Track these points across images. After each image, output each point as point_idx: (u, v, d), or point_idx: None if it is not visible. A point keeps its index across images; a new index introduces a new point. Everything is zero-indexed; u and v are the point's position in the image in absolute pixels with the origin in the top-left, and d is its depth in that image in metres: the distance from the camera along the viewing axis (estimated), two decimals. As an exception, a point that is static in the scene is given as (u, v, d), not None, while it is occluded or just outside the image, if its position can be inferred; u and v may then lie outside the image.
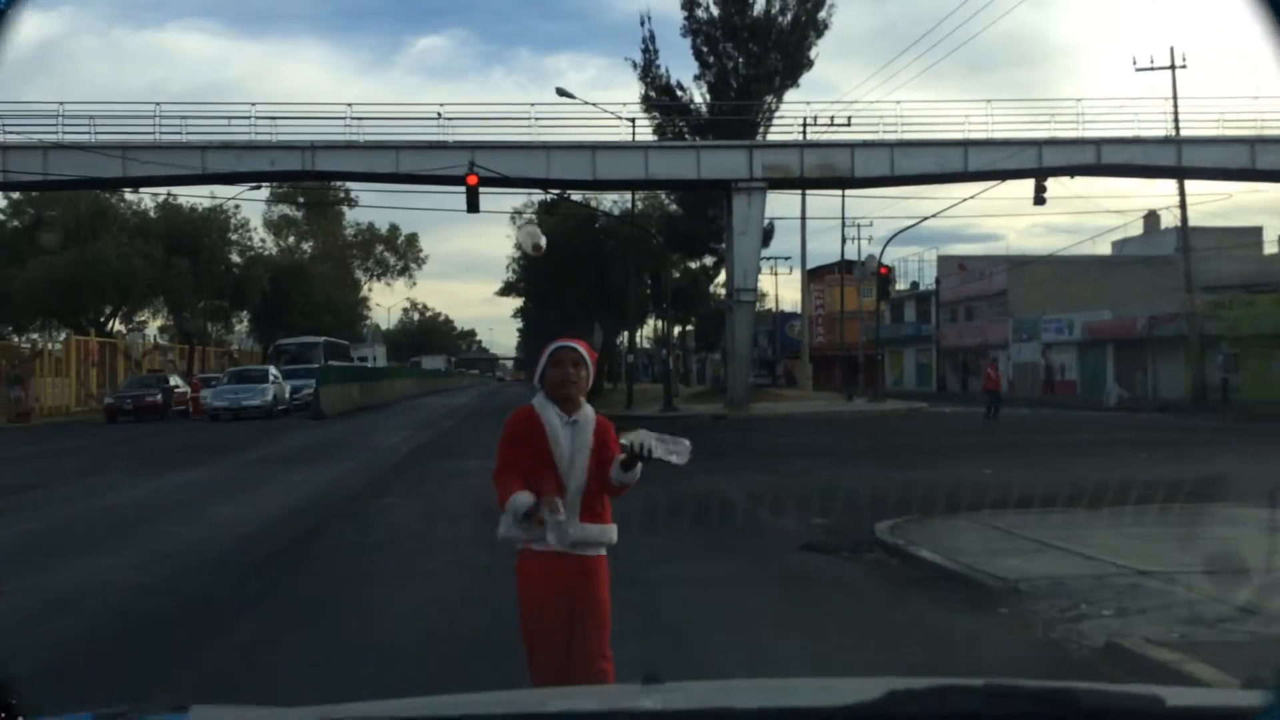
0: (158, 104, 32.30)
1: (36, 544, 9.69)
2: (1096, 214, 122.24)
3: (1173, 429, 24.45)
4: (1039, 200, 30.96)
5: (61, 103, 31.84)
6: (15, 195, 42.82)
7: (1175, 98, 35.07)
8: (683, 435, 3.75)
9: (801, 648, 5.79)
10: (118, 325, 50.44)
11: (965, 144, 32.81)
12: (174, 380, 39.21)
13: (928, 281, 63.37)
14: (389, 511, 11.80)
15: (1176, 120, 34.31)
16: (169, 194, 43.93)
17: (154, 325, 56.51)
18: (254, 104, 33.51)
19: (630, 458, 3.61)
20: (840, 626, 6.35)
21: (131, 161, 31.16)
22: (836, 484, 12.36)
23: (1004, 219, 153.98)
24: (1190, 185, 35.89)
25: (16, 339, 48.61)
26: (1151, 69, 36.89)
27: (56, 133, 31.04)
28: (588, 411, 3.77)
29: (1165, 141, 33.48)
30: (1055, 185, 32.10)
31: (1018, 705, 1.38)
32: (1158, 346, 41.55)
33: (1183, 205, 36.23)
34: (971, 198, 44.64)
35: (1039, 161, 32.24)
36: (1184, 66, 36.62)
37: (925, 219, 56.26)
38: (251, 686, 5.11)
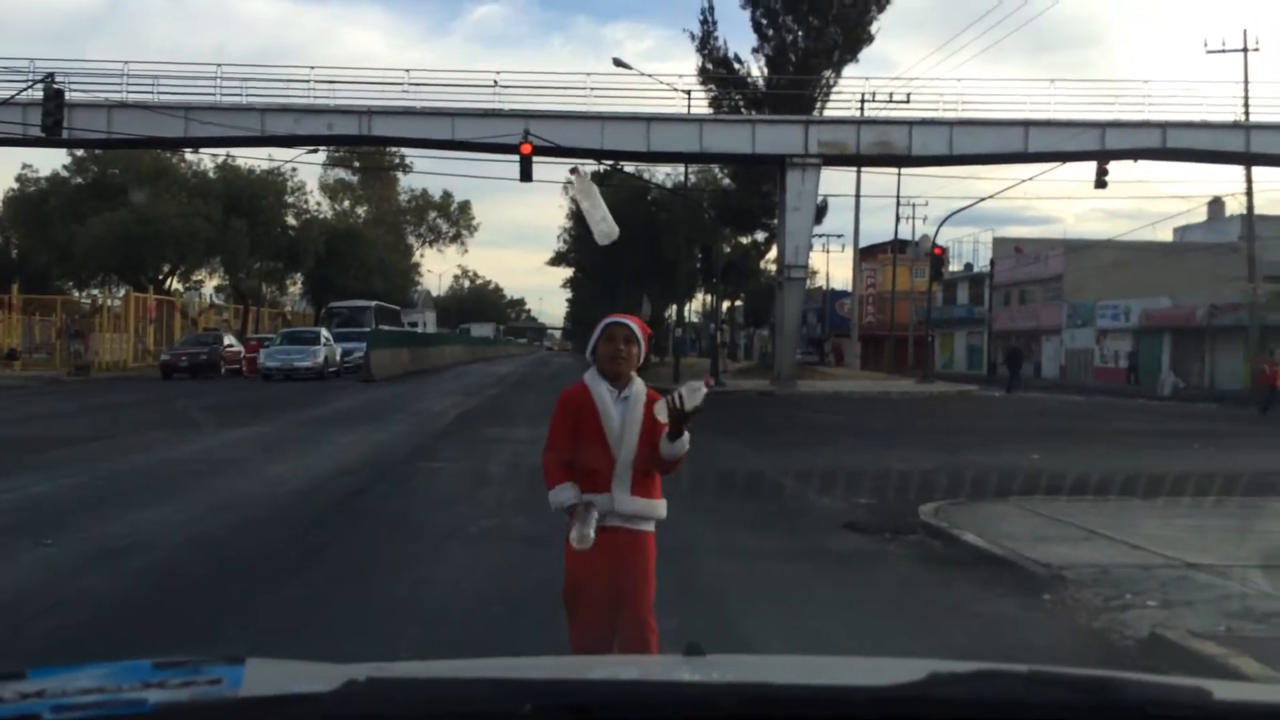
0: (219, 65, 32.67)
1: (89, 496, 9.94)
2: (1159, 199, 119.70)
3: (1229, 420, 24.00)
4: (1100, 184, 30.38)
5: (126, 62, 32.38)
6: (79, 153, 43.63)
7: (1246, 81, 34.22)
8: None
9: (841, 627, 5.79)
10: (175, 284, 51.33)
11: (1026, 124, 32.27)
12: (228, 339, 39.87)
13: (981, 263, 62.57)
14: (436, 475, 11.95)
15: (1247, 105, 33.48)
16: (228, 155, 44.49)
17: (210, 284, 57.51)
18: (313, 68, 33.70)
19: (674, 418, 3.60)
20: (880, 607, 6.34)
21: (193, 122, 31.61)
22: (881, 464, 12.30)
23: (1062, 202, 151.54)
24: (1257, 172, 35.02)
25: (78, 294, 49.72)
26: (1223, 51, 35.96)
27: (121, 92, 31.57)
28: (638, 386, 3.78)
29: (1234, 126, 32.69)
30: (1117, 169, 31.56)
31: (1061, 693, 1.37)
32: (1217, 336, 40.72)
33: (1249, 192, 35.37)
34: (1030, 179, 44.04)
35: (1102, 144, 31.64)
36: (1257, 50, 35.72)
37: (982, 200, 55.75)
38: (298, 643, 5.22)
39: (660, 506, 3.82)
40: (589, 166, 41.87)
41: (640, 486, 3.73)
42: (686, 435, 3.67)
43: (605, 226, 4.87)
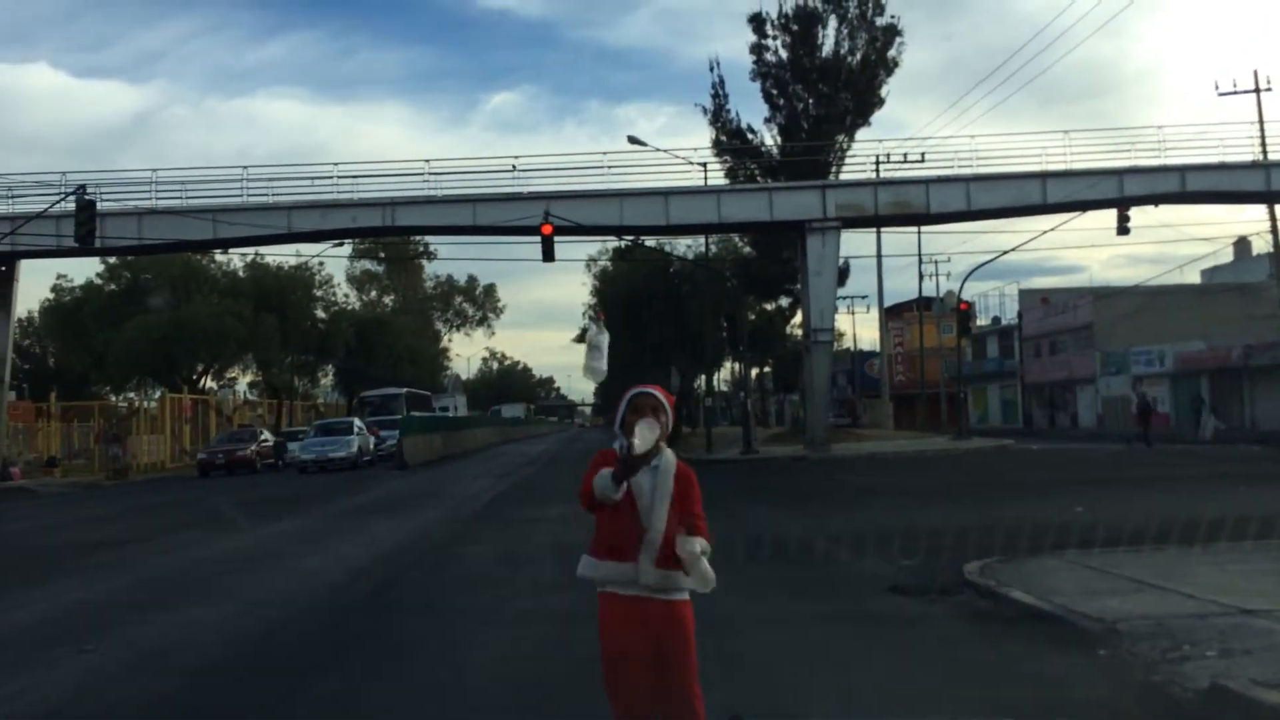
0: (245, 168, 33.50)
1: (128, 599, 9.92)
2: (1183, 242, 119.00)
3: (1275, 461, 23.51)
4: (1122, 230, 30.29)
5: (155, 169, 33.42)
6: (111, 260, 44.59)
7: (1261, 121, 34.23)
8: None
9: (890, 691, 5.65)
10: (209, 382, 51.93)
11: (1043, 176, 32.34)
12: (264, 434, 40.17)
13: (1009, 316, 62.27)
14: (473, 558, 11.87)
15: (1264, 143, 33.43)
16: (256, 253, 45.34)
17: (244, 381, 58.11)
18: (336, 164, 34.42)
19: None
20: (930, 669, 6.19)
21: (221, 223, 32.27)
22: (922, 524, 12.11)
23: (1086, 250, 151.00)
24: (1281, 209, 34.82)
25: (114, 398, 50.36)
26: (1235, 93, 36.06)
27: (150, 198, 32.35)
28: (668, 457, 3.77)
29: (1252, 166, 32.60)
30: (1139, 214, 31.47)
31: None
32: (1255, 376, 40.13)
33: (1274, 230, 35.15)
34: (1051, 230, 43.71)
35: (1120, 191, 31.61)
36: (1269, 89, 35.75)
37: (1004, 253, 55.45)
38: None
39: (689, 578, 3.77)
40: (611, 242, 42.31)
41: (668, 558, 3.69)
42: (699, 543, 3.65)
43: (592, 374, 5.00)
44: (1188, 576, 8.12)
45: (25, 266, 35.01)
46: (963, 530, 11.01)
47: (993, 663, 6.33)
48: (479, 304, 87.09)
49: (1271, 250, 36.28)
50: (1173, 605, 7.20)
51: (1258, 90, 35.36)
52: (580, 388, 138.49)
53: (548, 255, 29.34)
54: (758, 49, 37.94)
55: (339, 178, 33.07)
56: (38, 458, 37.81)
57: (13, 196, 31.97)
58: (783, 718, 4.76)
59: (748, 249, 44.59)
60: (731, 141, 38.32)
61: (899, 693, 5.64)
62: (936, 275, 61.40)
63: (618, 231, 35.95)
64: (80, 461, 39.91)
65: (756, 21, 37.86)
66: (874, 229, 41.54)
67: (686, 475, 3.79)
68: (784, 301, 47.94)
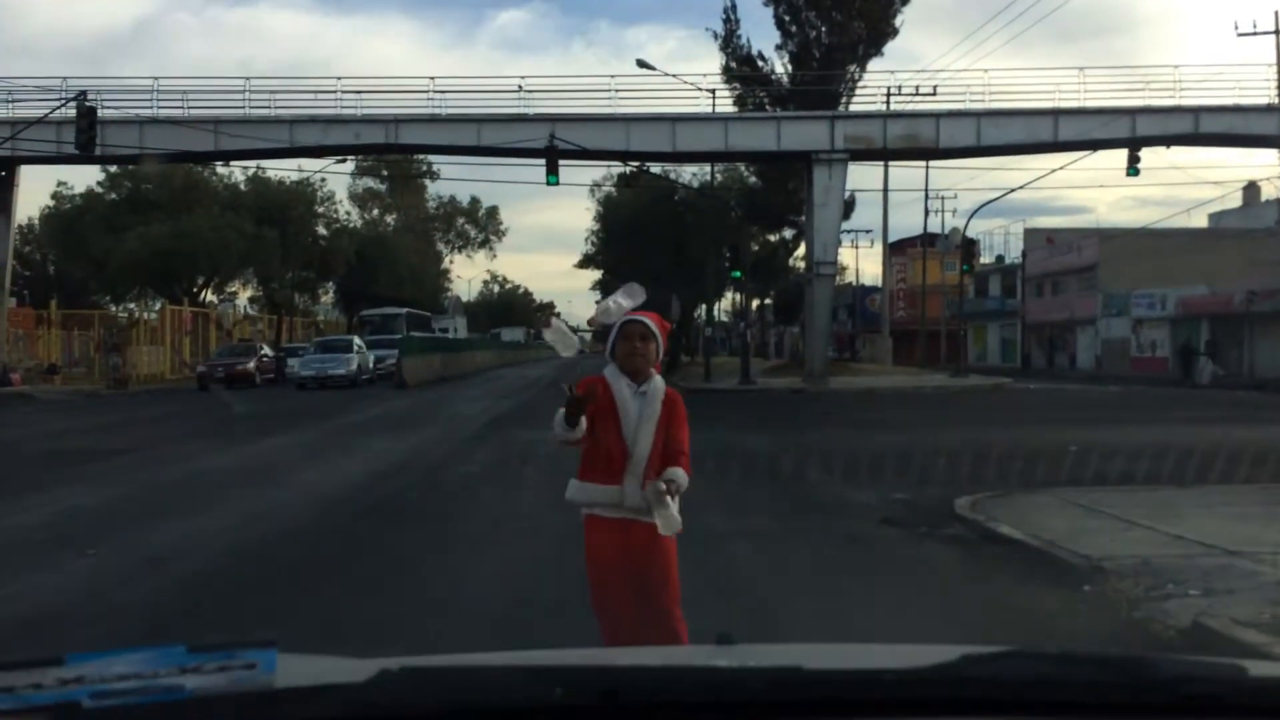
0: (247, 79, 32.85)
1: (130, 507, 10.07)
2: (1192, 185, 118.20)
3: (1270, 408, 23.63)
4: (1133, 171, 30.03)
5: (156, 78, 32.83)
6: (113, 169, 44.21)
7: (1279, 63, 33.68)
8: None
9: (878, 621, 5.76)
10: (210, 295, 51.86)
11: (1055, 113, 31.96)
12: (263, 349, 40.28)
13: (1013, 255, 61.98)
14: (470, 477, 12.01)
15: (1280, 87, 32.98)
16: (258, 167, 44.90)
17: (244, 295, 58.04)
18: (340, 79, 33.86)
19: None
20: (918, 602, 6.30)
21: (222, 135, 31.96)
22: (915, 459, 12.23)
23: (1093, 191, 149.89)
24: (1294, 155, 34.48)
25: (114, 309, 50.36)
26: (1254, 34, 35.47)
27: (151, 108, 31.98)
28: (657, 383, 3.85)
29: (1267, 110, 32.19)
30: (1149, 156, 31.19)
31: (1093, 672, 1.36)
32: (1256, 322, 40.12)
33: (1285, 176, 34.83)
34: (1060, 169, 43.50)
35: (1133, 131, 31.26)
36: (1290, 31, 35.12)
37: (1012, 191, 54.97)
38: (338, 644, 5.26)
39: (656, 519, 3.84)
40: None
41: (652, 480, 3.76)
42: (682, 473, 3.73)
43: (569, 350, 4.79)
44: (1176, 517, 8.23)
45: (25, 172, 34.74)
46: (954, 465, 11.12)
47: (979, 596, 6.44)
48: (481, 226, 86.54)
49: (1281, 196, 36.04)
50: (1159, 545, 7.31)
51: (1278, 31, 34.79)
52: (580, 313, 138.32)
53: (552, 179, 29.15)
54: (772, -27, 37.22)
55: (342, 93, 32.66)
56: (38, 364, 37.97)
57: (13, 101, 31.62)
58: (771, 641, 4.86)
59: (753, 179, 44.24)
60: (741, 69, 37.78)
61: (886, 622, 5.75)
62: (942, 211, 60.96)
63: (623, 157, 35.60)
64: (80, 369, 40.07)
65: (772, -56, 37.08)
66: (882, 162, 41.18)
67: (674, 400, 3.86)
68: (788, 233, 47.72)
